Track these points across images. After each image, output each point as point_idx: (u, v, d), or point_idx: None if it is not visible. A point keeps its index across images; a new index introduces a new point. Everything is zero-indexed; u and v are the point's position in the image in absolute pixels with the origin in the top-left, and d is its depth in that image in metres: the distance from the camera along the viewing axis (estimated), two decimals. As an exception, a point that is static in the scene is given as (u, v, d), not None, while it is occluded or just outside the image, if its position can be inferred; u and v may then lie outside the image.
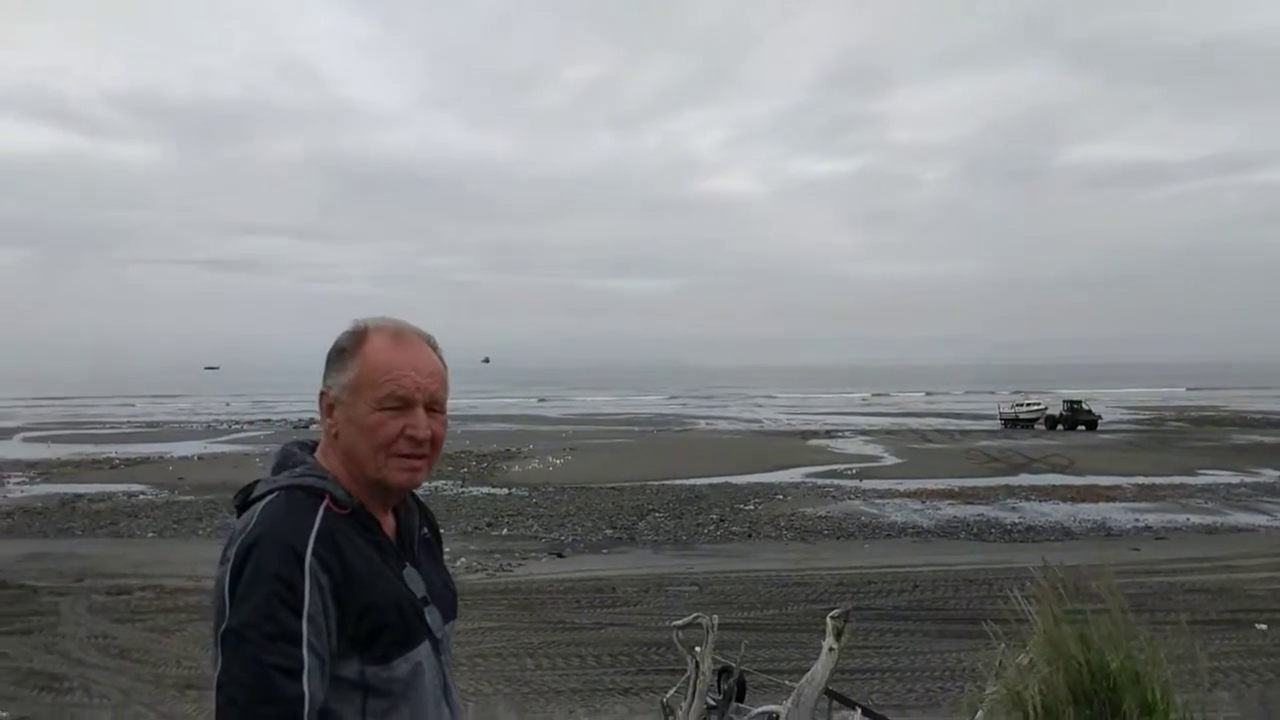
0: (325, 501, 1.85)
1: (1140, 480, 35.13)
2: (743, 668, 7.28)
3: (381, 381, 1.90)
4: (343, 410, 1.92)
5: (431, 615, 1.96)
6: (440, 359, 2.03)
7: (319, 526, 1.80)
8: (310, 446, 1.99)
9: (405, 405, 1.91)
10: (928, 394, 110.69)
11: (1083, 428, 60.39)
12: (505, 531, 25.69)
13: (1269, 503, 29.92)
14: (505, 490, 33.54)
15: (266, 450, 47.75)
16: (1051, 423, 62.48)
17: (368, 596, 1.81)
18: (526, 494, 32.49)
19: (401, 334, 1.97)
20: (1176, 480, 35.32)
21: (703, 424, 69.49)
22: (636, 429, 63.52)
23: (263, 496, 1.87)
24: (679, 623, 6.56)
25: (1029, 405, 67.55)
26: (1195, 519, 27.07)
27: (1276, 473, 37.41)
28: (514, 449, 47.76)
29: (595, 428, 64.08)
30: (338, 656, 1.78)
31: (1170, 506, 29.37)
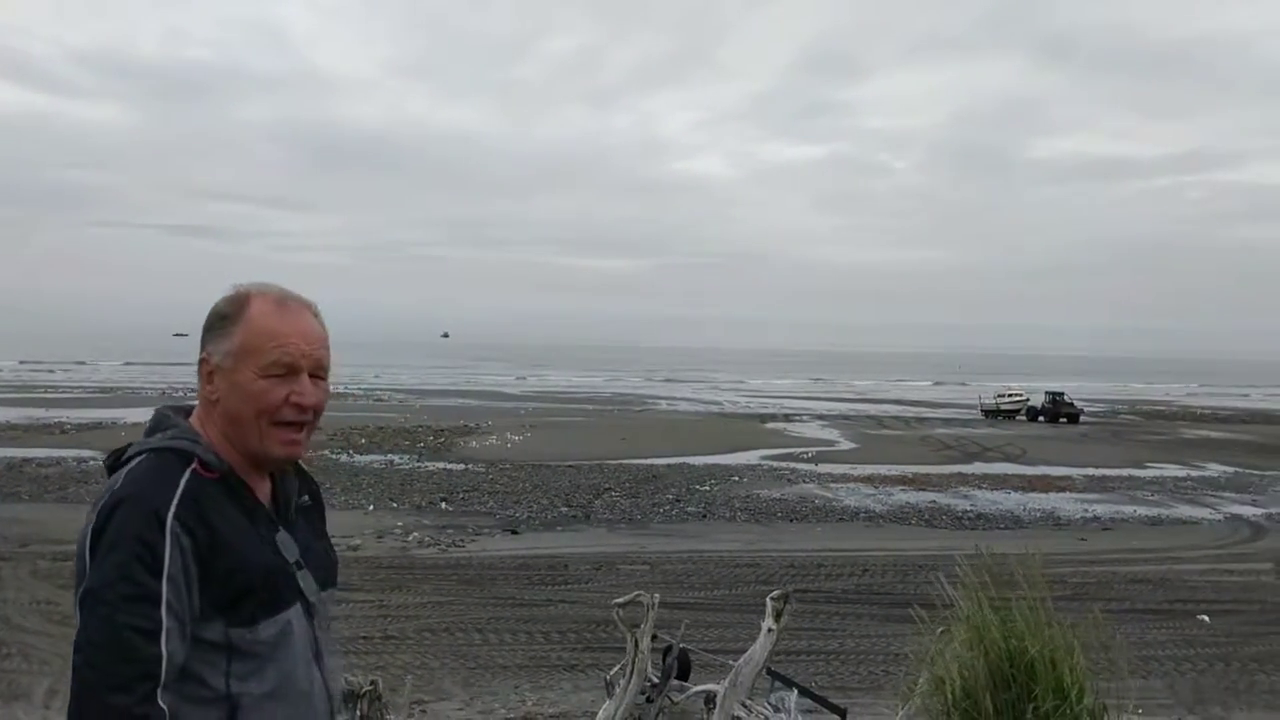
0: (194, 465, 1.86)
1: (1090, 471, 35.64)
2: (687, 647, 7.31)
3: (268, 348, 1.90)
4: (225, 377, 1.92)
5: (305, 580, 1.96)
6: (323, 325, 2.03)
7: (183, 489, 1.81)
8: (185, 411, 1.99)
9: (291, 371, 1.92)
10: (889, 381, 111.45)
11: (1064, 420, 58.66)
12: (460, 507, 25.64)
13: (1213, 496, 30.46)
14: (461, 466, 33.44)
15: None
16: (1033, 414, 60.96)
17: (232, 560, 1.82)
18: (483, 470, 32.41)
19: (285, 300, 1.97)
20: (1125, 472, 35.87)
21: (663, 404, 69.62)
22: (597, 408, 63.52)
23: (132, 459, 1.87)
24: (619, 600, 6.58)
25: (1010, 396, 65.82)
26: (1141, 511, 27.53)
27: (1222, 467, 38.13)
28: (472, 425, 47.55)
29: (556, 405, 63.98)
30: (200, 619, 1.79)
31: (1118, 498, 29.83)
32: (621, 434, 45.00)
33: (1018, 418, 61.51)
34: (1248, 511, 27.44)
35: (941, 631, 4.09)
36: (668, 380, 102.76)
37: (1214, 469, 37.64)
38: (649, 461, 35.41)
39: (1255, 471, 36.68)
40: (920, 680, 4.43)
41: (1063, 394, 62.51)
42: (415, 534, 21.50)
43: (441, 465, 33.50)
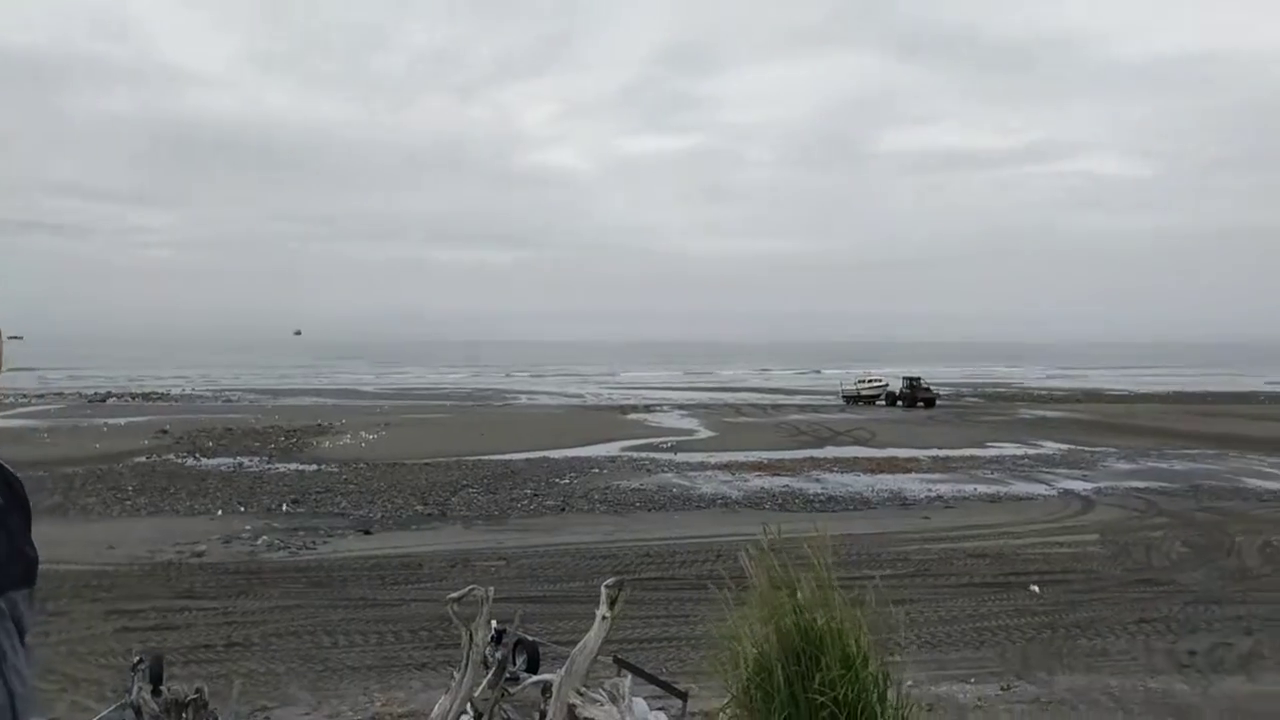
0: None
1: (935, 452, 37.05)
2: (537, 640, 7.33)
3: None
4: None
5: None
6: None
7: None
8: None
9: None
10: (748, 370, 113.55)
11: (922, 404, 60.94)
12: (312, 509, 25.04)
13: (1048, 473, 32.05)
14: (314, 467, 32.66)
15: (56, 425, 45.02)
16: (891, 399, 63.02)
17: None
18: (336, 470, 31.72)
19: None
20: (968, 452, 37.44)
21: (524, 399, 69.39)
22: (456, 404, 62.85)
23: None
24: (454, 595, 6.55)
25: (870, 382, 67.74)
26: (982, 489, 28.74)
27: (1056, 445, 40.16)
28: (326, 424, 46.47)
29: (413, 403, 63.03)
30: None
31: (960, 477, 31.08)
32: (480, 430, 44.67)
33: (877, 403, 63.69)
34: (1079, 486, 28.97)
35: (739, 609, 4.23)
36: (529, 374, 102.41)
37: (1050, 446, 39.60)
38: (508, 457, 35.24)
39: (1086, 448, 38.75)
40: (720, 656, 4.56)
41: (919, 379, 65.11)
42: (264, 538, 20.92)
43: (294, 466, 32.64)
